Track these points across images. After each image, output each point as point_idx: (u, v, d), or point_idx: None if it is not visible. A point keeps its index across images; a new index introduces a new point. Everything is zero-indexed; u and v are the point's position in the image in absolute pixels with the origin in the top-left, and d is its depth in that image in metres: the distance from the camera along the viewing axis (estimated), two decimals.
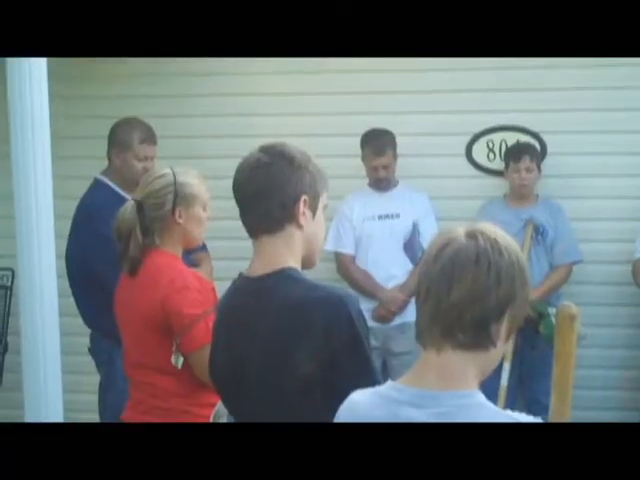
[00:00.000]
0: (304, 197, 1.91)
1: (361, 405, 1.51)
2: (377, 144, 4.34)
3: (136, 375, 2.69)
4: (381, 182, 4.41)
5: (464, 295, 1.39)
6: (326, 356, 1.82)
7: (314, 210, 1.95)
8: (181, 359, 2.56)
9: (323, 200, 1.98)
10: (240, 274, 2.01)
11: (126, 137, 3.63)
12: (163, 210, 2.62)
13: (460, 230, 1.45)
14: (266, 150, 1.94)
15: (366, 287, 4.34)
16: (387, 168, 4.37)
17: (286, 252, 1.93)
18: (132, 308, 2.63)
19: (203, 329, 2.51)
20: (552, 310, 3.81)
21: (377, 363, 3.92)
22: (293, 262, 1.93)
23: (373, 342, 3.99)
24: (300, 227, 1.92)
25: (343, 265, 4.45)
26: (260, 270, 1.93)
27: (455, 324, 1.41)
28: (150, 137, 3.67)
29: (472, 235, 1.43)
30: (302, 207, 1.91)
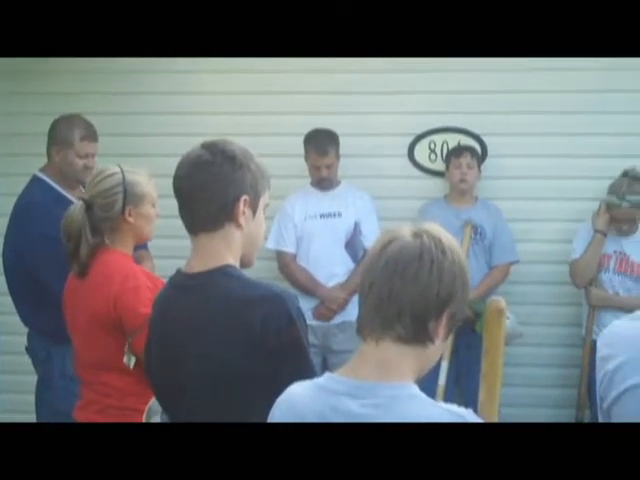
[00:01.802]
0: (244, 197, 1.90)
1: (299, 396, 1.54)
2: (320, 144, 4.36)
3: (88, 375, 2.66)
4: (323, 181, 4.42)
5: (406, 290, 1.43)
6: (264, 353, 1.82)
7: (254, 209, 1.94)
8: (133, 359, 2.54)
9: (264, 199, 1.98)
10: (178, 270, 2.00)
11: (67, 134, 3.58)
12: (113, 210, 2.60)
13: (406, 229, 1.49)
14: (208, 147, 1.92)
15: (307, 285, 4.36)
16: (330, 168, 4.39)
17: (225, 250, 1.92)
18: (83, 308, 2.60)
19: None
20: None
21: (317, 360, 3.97)
22: (232, 260, 1.93)
23: (313, 340, 4.03)
24: (239, 226, 1.92)
25: (284, 263, 4.45)
26: (198, 267, 1.92)
27: (395, 317, 1.44)
28: (91, 134, 3.63)
29: (417, 234, 1.47)
30: (242, 207, 1.90)
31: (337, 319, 4.35)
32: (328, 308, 4.32)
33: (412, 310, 1.43)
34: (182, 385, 1.94)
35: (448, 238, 1.49)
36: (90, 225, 2.57)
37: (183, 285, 1.96)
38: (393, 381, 1.45)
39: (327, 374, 1.53)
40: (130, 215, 2.62)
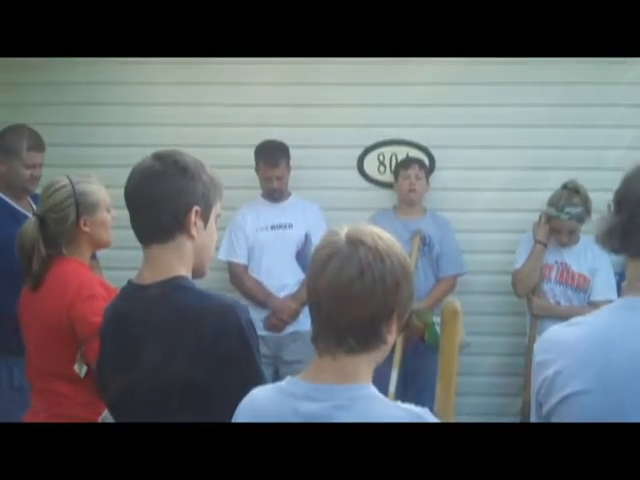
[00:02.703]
0: (196, 208, 1.90)
1: (262, 400, 1.56)
2: (271, 155, 4.39)
3: (38, 383, 2.66)
4: (274, 193, 4.45)
5: (353, 305, 1.45)
6: (215, 364, 1.82)
7: (206, 220, 1.94)
8: (84, 367, 2.54)
9: (216, 210, 1.97)
10: (129, 281, 1.99)
11: (14, 144, 3.56)
12: (67, 223, 2.60)
13: (341, 239, 1.49)
14: (159, 157, 1.91)
15: (258, 296, 4.38)
16: (280, 179, 4.43)
17: (176, 261, 1.91)
18: (37, 315, 2.60)
19: None
20: (437, 320, 3.93)
21: (268, 371, 4.00)
22: (184, 271, 1.92)
23: (264, 350, 4.04)
24: (191, 237, 1.91)
25: (236, 274, 4.47)
26: (150, 278, 1.92)
27: (347, 332, 1.46)
28: (38, 144, 3.61)
29: (354, 244, 1.47)
30: (193, 217, 1.90)
31: (289, 329, 4.37)
32: (279, 318, 4.34)
33: (362, 322, 1.46)
34: (132, 395, 1.93)
35: (384, 241, 1.50)
36: (44, 239, 2.57)
37: (134, 296, 1.95)
38: (352, 382, 1.48)
39: (289, 378, 1.56)
40: (85, 225, 2.62)
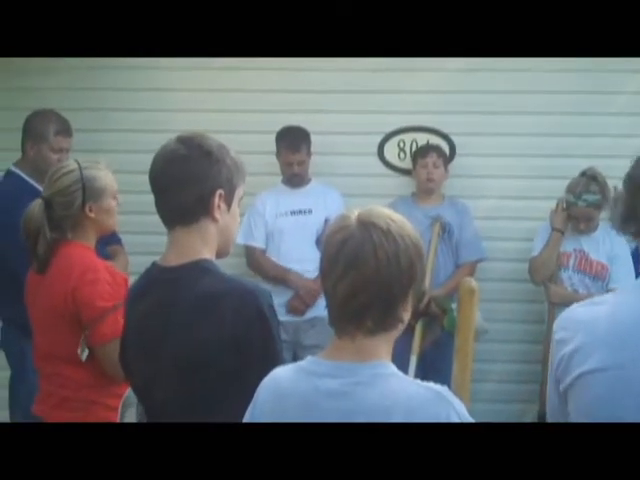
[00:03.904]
0: (220, 191, 1.92)
1: (283, 378, 1.60)
2: (292, 141, 4.40)
3: (45, 367, 2.69)
4: (295, 178, 4.46)
5: (369, 287, 1.48)
6: (234, 347, 1.84)
7: (229, 203, 1.95)
8: (86, 351, 2.56)
9: (239, 193, 1.99)
10: (153, 263, 2.01)
11: (42, 129, 3.60)
12: (73, 207, 2.60)
13: (353, 223, 1.51)
14: (183, 141, 1.93)
15: (277, 274, 4.39)
16: (301, 165, 4.44)
17: (200, 244, 1.94)
18: (42, 299, 2.62)
19: (112, 323, 2.52)
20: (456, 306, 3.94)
21: (288, 356, 4.02)
22: (207, 254, 1.95)
23: (284, 336, 4.03)
24: (215, 220, 1.93)
25: (253, 258, 4.48)
26: (174, 260, 1.94)
27: (365, 315, 1.49)
28: (66, 129, 3.65)
29: (366, 228, 1.49)
30: (217, 201, 1.92)
31: (308, 314, 4.39)
32: (301, 301, 4.37)
33: (379, 303, 1.49)
34: (155, 376, 1.96)
35: (395, 222, 1.52)
36: (49, 222, 2.58)
37: (158, 278, 1.97)
38: (372, 360, 1.51)
39: (309, 357, 1.59)
40: (91, 211, 2.63)
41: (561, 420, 1.66)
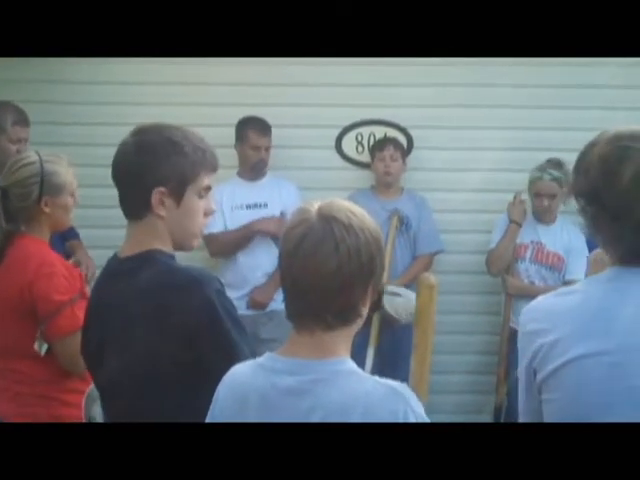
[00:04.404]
0: (160, 189, 1.88)
1: (242, 375, 1.58)
2: (261, 125, 4.39)
3: (0, 362, 2.65)
4: (261, 163, 4.40)
5: (330, 283, 1.46)
6: (185, 338, 1.82)
7: (178, 198, 1.91)
8: (45, 346, 2.54)
9: (198, 185, 1.93)
10: (114, 254, 2.01)
11: None
12: (29, 200, 2.58)
13: (313, 217, 1.49)
14: (133, 134, 1.92)
15: (242, 235, 4.34)
16: (267, 150, 4.42)
17: (150, 236, 1.92)
18: None
19: (69, 316, 2.51)
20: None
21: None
22: (160, 245, 1.93)
23: None
24: (160, 217, 1.90)
25: (212, 241, 4.35)
26: (127, 251, 1.94)
27: (324, 309, 1.48)
28: (23, 119, 3.62)
29: (326, 221, 1.47)
30: (158, 198, 1.88)
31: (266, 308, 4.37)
32: (258, 301, 4.35)
33: (339, 298, 1.48)
34: (113, 370, 1.94)
35: (356, 216, 1.50)
36: (5, 212, 2.57)
37: (114, 269, 1.97)
38: (330, 357, 1.50)
39: (267, 353, 1.57)
40: (47, 205, 2.60)
41: (532, 412, 1.67)
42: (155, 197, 1.88)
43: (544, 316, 1.63)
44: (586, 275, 4.30)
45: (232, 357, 1.72)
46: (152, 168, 1.87)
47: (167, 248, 1.94)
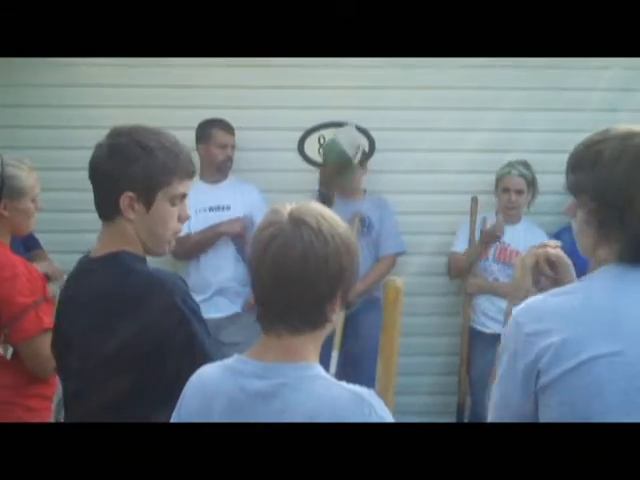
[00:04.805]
0: (129, 193, 1.87)
1: (209, 377, 1.57)
2: (226, 124, 4.40)
3: None
4: (228, 162, 4.40)
5: (296, 288, 1.46)
6: (153, 341, 1.81)
7: (148, 203, 1.90)
8: (10, 349, 2.51)
9: (170, 192, 1.92)
10: (85, 253, 2.01)
11: None
12: None
13: (284, 219, 1.49)
14: (108, 136, 1.92)
15: (207, 237, 4.32)
16: (233, 149, 4.43)
17: (119, 239, 1.92)
18: None
19: (33, 319, 2.48)
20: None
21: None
22: (129, 247, 1.92)
23: None
24: (129, 220, 1.90)
25: (177, 243, 4.33)
26: (98, 251, 1.94)
27: (291, 313, 1.49)
28: None
29: (297, 225, 1.48)
30: (127, 203, 1.88)
31: (227, 311, 4.36)
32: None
33: (306, 302, 1.48)
34: (77, 371, 1.94)
35: (327, 221, 1.51)
36: None
37: (83, 269, 1.98)
38: (299, 362, 1.50)
39: (236, 355, 1.57)
40: (5, 209, 2.58)
41: (522, 416, 1.63)
42: (124, 201, 1.88)
43: (548, 316, 1.60)
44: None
45: (201, 358, 1.72)
46: (122, 171, 1.86)
47: (137, 251, 1.94)
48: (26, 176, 2.63)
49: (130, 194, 1.88)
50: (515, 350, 1.62)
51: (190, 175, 1.97)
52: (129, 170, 1.86)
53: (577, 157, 1.69)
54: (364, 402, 1.47)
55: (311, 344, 1.53)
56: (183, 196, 1.96)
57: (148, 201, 1.90)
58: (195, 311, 1.87)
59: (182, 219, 1.99)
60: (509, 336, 1.65)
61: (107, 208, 1.90)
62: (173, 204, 1.94)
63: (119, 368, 1.84)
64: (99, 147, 1.91)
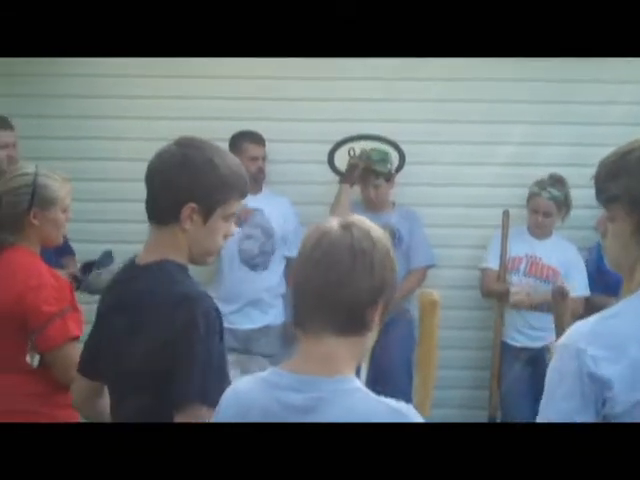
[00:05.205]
0: (192, 205, 1.92)
1: (244, 390, 1.57)
2: (257, 136, 4.42)
3: None
4: (260, 174, 4.39)
5: (341, 283, 1.47)
6: (165, 351, 1.84)
7: (206, 217, 1.95)
8: (37, 357, 2.53)
9: (226, 209, 1.97)
10: (132, 257, 2.04)
11: None
12: (17, 209, 2.60)
13: (334, 222, 1.53)
14: (176, 144, 1.96)
15: None
16: (264, 160, 4.43)
17: (169, 246, 1.96)
18: None
19: (59, 327, 2.50)
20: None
21: (237, 370, 3.98)
22: (176, 255, 1.96)
23: (233, 343, 4.01)
24: (184, 230, 1.94)
25: None
26: (144, 258, 1.98)
27: (333, 311, 1.49)
28: (5, 124, 3.65)
29: (346, 227, 1.52)
30: (188, 213, 1.92)
31: (259, 323, 4.36)
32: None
33: (349, 302, 1.48)
34: (112, 373, 1.99)
35: (376, 229, 1.55)
36: None
37: (127, 274, 2.02)
38: (336, 375, 1.50)
39: (271, 368, 1.58)
40: (35, 217, 2.62)
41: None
42: (185, 211, 1.92)
43: (612, 340, 1.56)
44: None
45: (215, 377, 1.78)
46: (190, 183, 1.91)
47: (182, 259, 1.98)
48: (58, 186, 2.67)
49: (193, 205, 1.92)
50: (575, 374, 1.55)
51: (244, 196, 2.03)
52: (197, 182, 1.92)
53: (610, 166, 1.66)
54: (402, 417, 1.46)
55: (349, 353, 1.52)
56: (234, 214, 2.02)
57: (207, 214, 1.95)
58: (214, 329, 1.88)
59: (227, 236, 2.04)
60: (567, 360, 1.58)
61: (165, 214, 1.94)
62: (225, 221, 1.99)
63: (140, 384, 1.89)
64: (167, 154, 1.94)
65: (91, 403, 2.13)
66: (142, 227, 2.14)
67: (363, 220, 1.56)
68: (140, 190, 2.01)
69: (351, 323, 1.50)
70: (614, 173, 1.64)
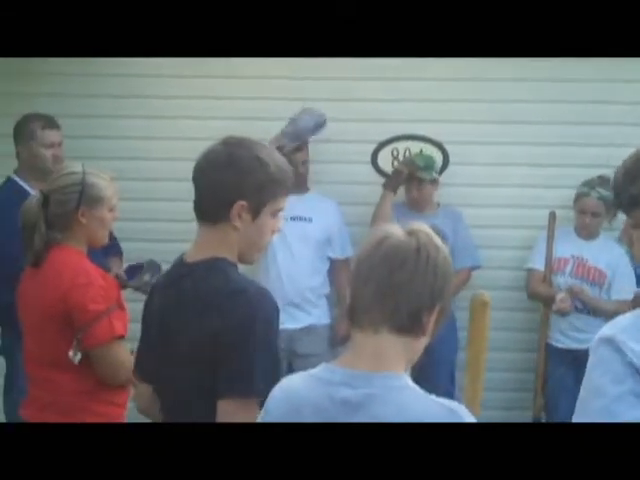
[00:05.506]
0: (242, 202, 1.94)
1: (295, 387, 1.59)
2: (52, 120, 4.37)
3: (34, 371, 2.69)
4: (301, 178, 4.36)
5: (404, 282, 1.50)
6: (225, 347, 1.85)
7: (255, 214, 1.97)
8: (79, 354, 2.56)
9: (274, 205, 2.00)
10: (180, 256, 2.06)
11: (28, 127, 3.66)
12: (66, 207, 2.63)
13: (398, 228, 1.56)
14: (223, 144, 1.98)
15: None
16: (305, 164, 4.44)
17: (219, 244, 1.97)
18: (34, 302, 2.64)
19: (106, 325, 2.54)
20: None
21: (283, 365, 4.00)
22: (226, 253, 1.98)
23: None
24: (235, 228, 1.96)
25: None
26: (194, 256, 1.99)
27: (394, 309, 1.50)
28: (51, 123, 3.71)
29: (411, 232, 1.55)
30: (238, 211, 1.94)
31: (302, 323, 4.36)
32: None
33: (410, 302, 1.50)
34: (164, 370, 2.01)
35: (436, 237, 1.58)
36: (45, 218, 2.61)
37: (177, 272, 2.04)
38: (386, 371, 1.50)
39: (323, 364, 1.59)
40: (83, 216, 2.65)
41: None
42: (235, 209, 1.94)
43: None
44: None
45: (270, 375, 1.78)
46: (239, 181, 1.94)
47: (232, 257, 2.00)
48: (106, 185, 2.70)
49: (243, 203, 1.94)
50: (619, 362, 1.56)
51: (289, 192, 2.06)
52: (246, 181, 1.94)
53: (630, 167, 1.64)
54: (454, 416, 1.47)
55: (402, 353, 1.53)
56: (281, 210, 2.04)
57: (256, 211, 1.97)
58: (269, 329, 1.90)
59: (275, 232, 2.07)
60: (609, 352, 1.57)
61: (214, 213, 1.96)
62: (273, 217, 2.02)
63: (193, 370, 1.91)
64: (215, 153, 1.97)
65: (155, 407, 2.12)
66: (188, 226, 2.15)
67: (425, 228, 1.58)
68: (184, 190, 2.03)
69: (408, 323, 1.51)
70: (634, 175, 1.62)
